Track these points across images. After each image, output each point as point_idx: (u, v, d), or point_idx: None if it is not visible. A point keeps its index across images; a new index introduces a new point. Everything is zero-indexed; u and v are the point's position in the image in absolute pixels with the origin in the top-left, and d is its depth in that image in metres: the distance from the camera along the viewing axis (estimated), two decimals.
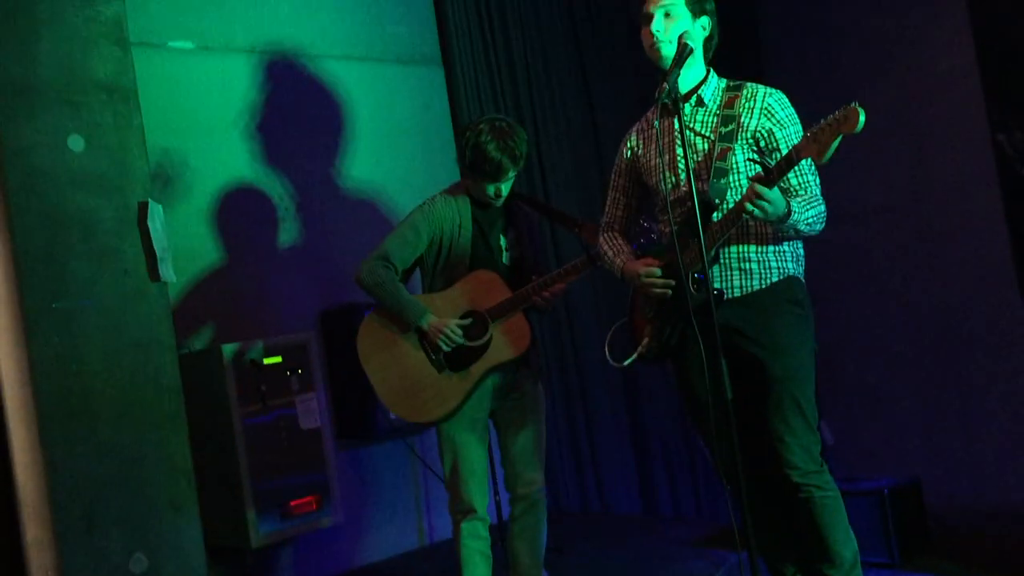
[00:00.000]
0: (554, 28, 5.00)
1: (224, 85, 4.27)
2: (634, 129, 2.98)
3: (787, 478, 2.66)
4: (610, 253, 2.97)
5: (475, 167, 3.14)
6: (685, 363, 2.80)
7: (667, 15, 2.74)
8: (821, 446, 2.69)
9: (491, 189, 3.18)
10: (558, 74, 4.97)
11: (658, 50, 2.75)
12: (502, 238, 3.29)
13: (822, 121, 2.41)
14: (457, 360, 3.16)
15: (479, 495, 3.20)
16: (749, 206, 2.50)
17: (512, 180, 3.22)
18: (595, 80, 5.03)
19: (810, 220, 2.64)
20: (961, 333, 4.16)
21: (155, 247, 3.22)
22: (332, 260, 4.44)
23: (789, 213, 2.55)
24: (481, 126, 3.16)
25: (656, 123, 2.84)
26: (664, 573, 3.74)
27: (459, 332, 3.14)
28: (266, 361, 3.87)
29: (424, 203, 3.28)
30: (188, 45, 4.17)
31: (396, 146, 4.72)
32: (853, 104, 2.36)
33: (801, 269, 2.78)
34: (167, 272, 3.31)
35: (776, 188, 2.51)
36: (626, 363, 2.83)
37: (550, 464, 3.39)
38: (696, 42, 2.75)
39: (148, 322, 3.32)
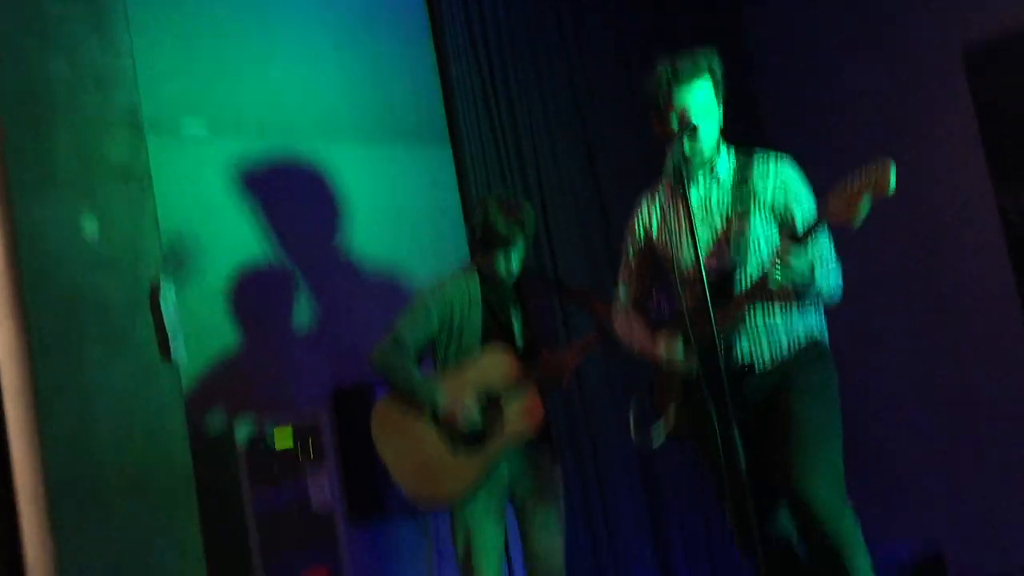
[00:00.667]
0: (559, 104, 5.07)
1: (235, 167, 4.33)
2: (643, 205, 2.97)
3: (808, 511, 2.57)
4: (627, 335, 2.97)
5: (485, 239, 3.17)
6: (710, 438, 2.71)
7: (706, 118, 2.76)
8: (847, 499, 2.64)
9: (502, 261, 3.19)
10: (564, 150, 5.03)
11: (690, 157, 2.76)
12: (513, 316, 3.30)
13: (852, 182, 2.36)
14: (471, 440, 3.14)
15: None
16: (777, 271, 2.49)
17: (522, 252, 3.24)
18: (600, 155, 5.08)
19: (832, 288, 2.66)
20: (979, 400, 4.12)
21: (167, 327, 3.24)
22: (345, 339, 4.43)
23: (814, 280, 2.56)
24: (488, 200, 3.23)
25: (660, 198, 2.86)
26: None
27: (475, 410, 3.12)
28: (278, 441, 3.85)
29: (434, 284, 3.31)
30: (200, 130, 4.24)
31: (405, 224, 4.75)
32: (885, 160, 2.31)
33: (826, 333, 2.79)
34: (179, 352, 3.31)
35: (804, 253, 2.50)
36: (656, 445, 2.80)
37: (566, 542, 3.34)
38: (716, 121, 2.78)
39: (159, 403, 3.31)
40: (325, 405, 4.35)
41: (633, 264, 2.99)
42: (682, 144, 2.68)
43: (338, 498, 4.00)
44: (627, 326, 2.96)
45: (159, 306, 3.22)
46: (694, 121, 2.70)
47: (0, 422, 2.96)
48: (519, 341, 3.28)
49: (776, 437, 2.66)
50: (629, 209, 4.86)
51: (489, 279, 3.26)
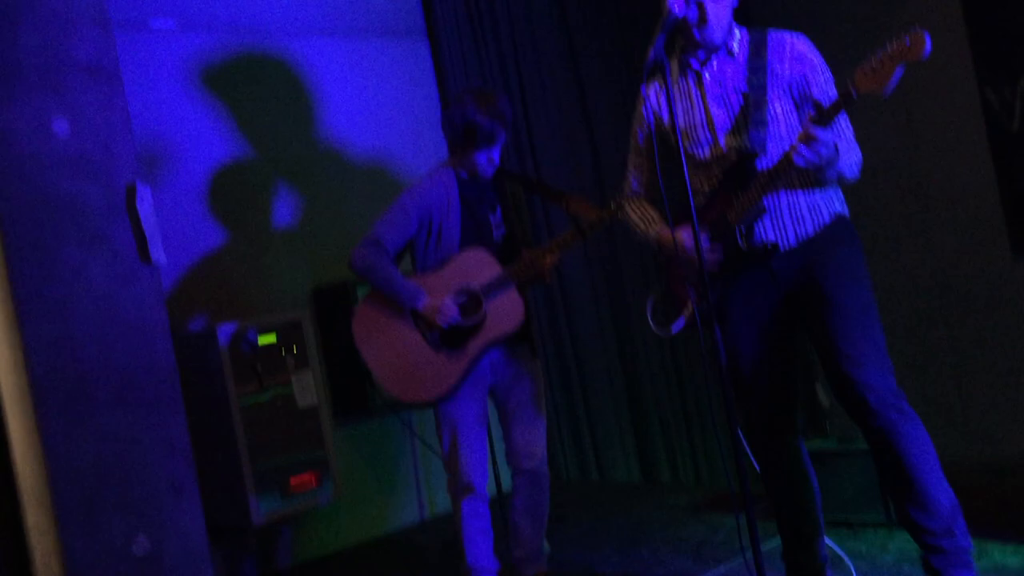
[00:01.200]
0: (540, 4, 4.95)
1: (208, 64, 4.24)
2: (650, 91, 2.84)
3: (866, 406, 2.51)
4: (640, 223, 2.89)
5: (467, 137, 3.13)
6: (734, 319, 2.72)
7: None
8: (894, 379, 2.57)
9: (484, 157, 3.17)
10: (546, 48, 4.93)
11: (697, 37, 2.65)
12: (491, 214, 3.28)
13: (879, 52, 2.32)
14: (453, 338, 3.16)
15: (478, 473, 3.21)
16: (802, 149, 2.43)
17: (500, 148, 3.21)
18: (583, 55, 4.99)
19: (852, 163, 2.62)
20: (954, 291, 4.17)
21: (145, 229, 3.21)
22: (323, 238, 4.42)
23: (837, 155, 2.50)
24: (466, 96, 3.17)
25: (671, 81, 2.74)
26: (663, 538, 3.76)
27: (455, 310, 3.13)
28: (261, 341, 3.87)
29: (412, 185, 3.28)
30: (170, 24, 4.13)
31: (384, 122, 4.69)
32: (917, 28, 2.27)
33: (846, 208, 2.73)
34: (158, 255, 3.29)
35: (827, 131, 2.44)
36: (675, 331, 2.75)
37: (548, 435, 3.41)
38: (729, 9, 2.68)
39: (141, 305, 3.30)
40: (306, 304, 4.37)
41: (643, 151, 2.89)
42: (664, 39, 2.57)
43: (322, 395, 4.05)
44: (640, 214, 2.89)
45: (136, 208, 3.18)
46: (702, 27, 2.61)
47: None
48: (498, 239, 3.27)
49: (817, 326, 2.61)
50: (610, 110, 4.84)
51: (468, 177, 3.24)
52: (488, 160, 3.18)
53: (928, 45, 2.24)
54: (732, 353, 2.74)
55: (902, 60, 2.28)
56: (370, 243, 3.18)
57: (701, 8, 2.60)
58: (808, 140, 2.43)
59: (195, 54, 4.20)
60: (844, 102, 2.40)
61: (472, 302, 3.16)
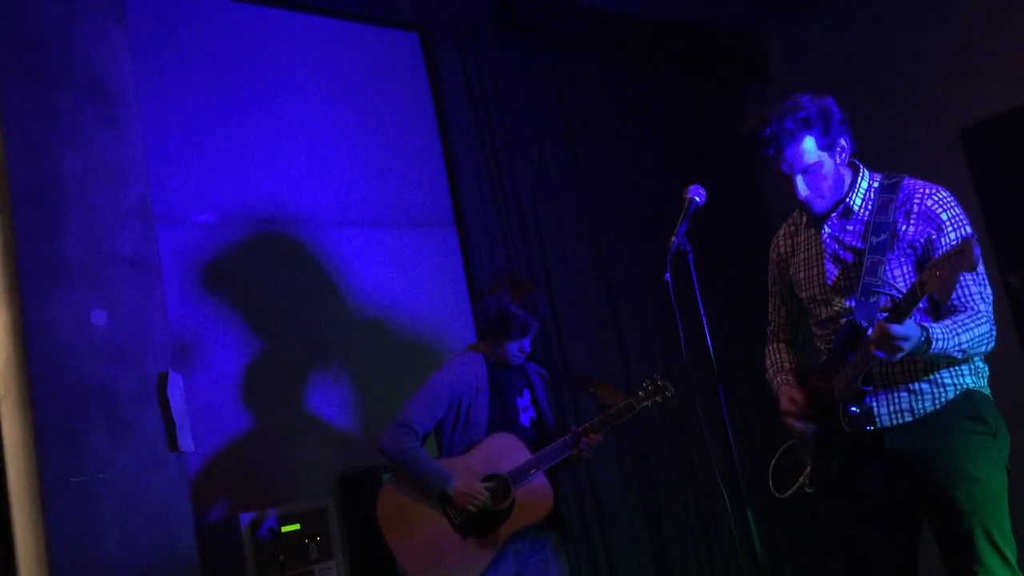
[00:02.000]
0: (564, 186, 5.12)
1: (245, 255, 4.37)
2: (782, 231, 2.79)
3: None
4: (771, 369, 2.78)
5: (501, 326, 3.18)
6: (846, 500, 2.61)
7: (806, 171, 2.54)
8: None
9: (516, 347, 3.20)
10: (570, 231, 5.07)
11: (812, 209, 2.59)
12: (519, 398, 3.29)
13: (939, 255, 2.26)
14: (480, 525, 3.11)
15: None
16: (877, 347, 2.29)
17: (532, 336, 3.26)
18: (607, 235, 5.12)
19: (965, 345, 2.38)
20: None
21: (174, 417, 3.23)
22: (350, 424, 4.42)
23: (929, 343, 2.32)
24: (502, 286, 3.23)
25: (795, 228, 2.71)
26: None
27: (486, 494, 3.09)
28: (284, 530, 3.81)
29: (443, 367, 3.31)
30: (211, 219, 4.30)
31: (413, 308, 4.78)
32: (968, 238, 2.22)
33: (983, 381, 2.53)
34: (186, 442, 3.31)
35: (909, 322, 2.29)
36: (786, 494, 2.63)
37: None
38: (836, 169, 2.56)
39: (166, 494, 3.29)
40: (331, 491, 4.32)
41: (776, 292, 2.77)
42: (686, 227, 2.54)
43: None
44: (771, 361, 2.76)
45: (167, 396, 3.22)
46: (808, 199, 2.52)
47: (6, 515, 2.94)
48: (526, 424, 3.26)
49: (931, 515, 2.47)
50: (633, 290, 4.91)
51: (498, 362, 3.27)
52: (519, 349, 3.22)
53: (976, 254, 2.16)
54: (851, 535, 2.63)
55: (957, 268, 2.20)
56: (400, 425, 3.18)
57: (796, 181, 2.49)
58: (880, 336, 2.28)
59: (232, 245, 4.34)
60: (912, 299, 2.26)
61: (501, 487, 3.13)
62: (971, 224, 2.55)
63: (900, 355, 2.31)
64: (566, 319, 4.94)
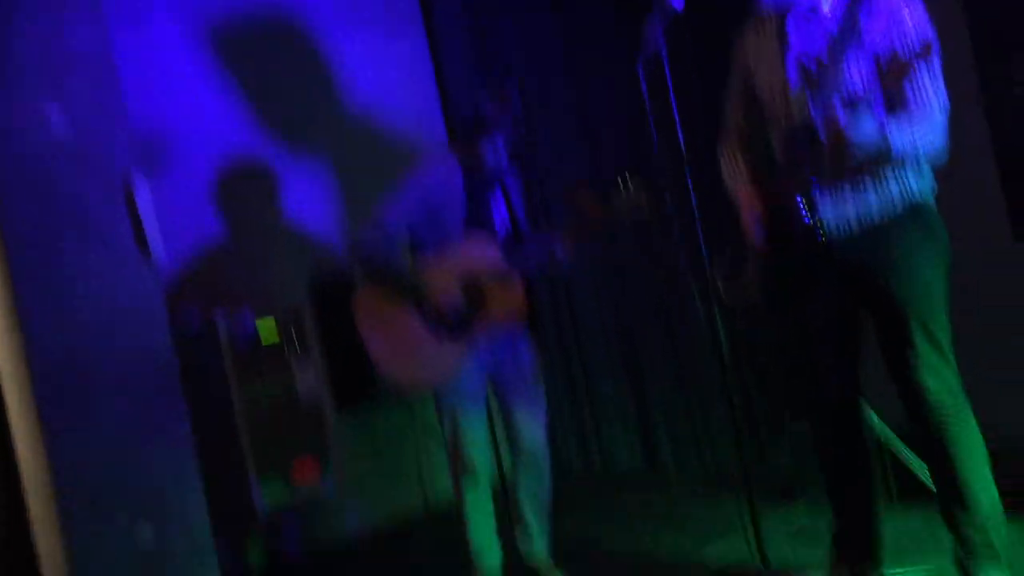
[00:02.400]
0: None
1: (208, 51, 4.22)
2: (748, 32, 2.72)
3: (924, 405, 2.47)
4: (729, 176, 2.77)
5: (475, 127, 3.13)
6: (795, 299, 2.67)
7: None
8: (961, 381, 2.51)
9: (490, 148, 3.16)
10: (542, 40, 4.88)
11: None
12: (492, 202, 3.28)
13: (895, 52, 2.26)
14: (454, 325, 3.16)
15: (481, 457, 3.22)
16: (832, 152, 2.31)
17: (508, 140, 3.21)
18: (583, 37, 4.94)
19: (919, 143, 2.40)
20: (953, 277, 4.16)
21: (143, 222, 3.21)
22: (325, 228, 4.42)
23: (887, 143, 2.34)
24: (475, 87, 3.19)
25: (760, 28, 2.65)
26: (666, 520, 3.78)
27: (459, 295, 3.13)
28: (261, 332, 3.87)
29: (415, 169, 3.28)
30: (166, 14, 4.12)
31: (381, 108, 4.68)
32: (924, 41, 2.22)
33: (927, 189, 2.55)
34: (157, 247, 3.29)
35: (865, 121, 2.31)
36: (735, 301, 2.67)
37: (550, 422, 3.42)
38: None
39: (140, 298, 3.30)
40: (307, 296, 4.37)
41: (737, 91, 2.72)
42: (661, 31, 2.47)
43: (324, 388, 4.06)
44: (729, 163, 2.75)
45: (134, 200, 3.18)
46: None
47: None
48: (500, 228, 3.27)
49: (875, 319, 2.53)
50: (610, 96, 4.81)
51: (472, 166, 3.24)
52: (494, 150, 3.18)
53: (935, 47, 2.17)
54: (796, 332, 2.72)
55: (911, 66, 2.22)
56: (373, 227, 3.18)
57: None
58: (835, 136, 2.32)
59: (191, 43, 4.19)
60: (868, 97, 2.29)
61: (473, 288, 3.16)
62: (933, 23, 2.48)
63: (856, 155, 2.34)
64: (541, 121, 4.87)
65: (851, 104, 2.35)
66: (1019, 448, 3.67)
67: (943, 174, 3.94)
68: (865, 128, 2.32)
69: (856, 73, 2.44)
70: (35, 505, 3.04)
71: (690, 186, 2.48)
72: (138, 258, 3.27)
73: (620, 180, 3.12)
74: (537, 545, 3.29)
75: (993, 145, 3.84)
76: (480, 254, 3.19)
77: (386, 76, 4.73)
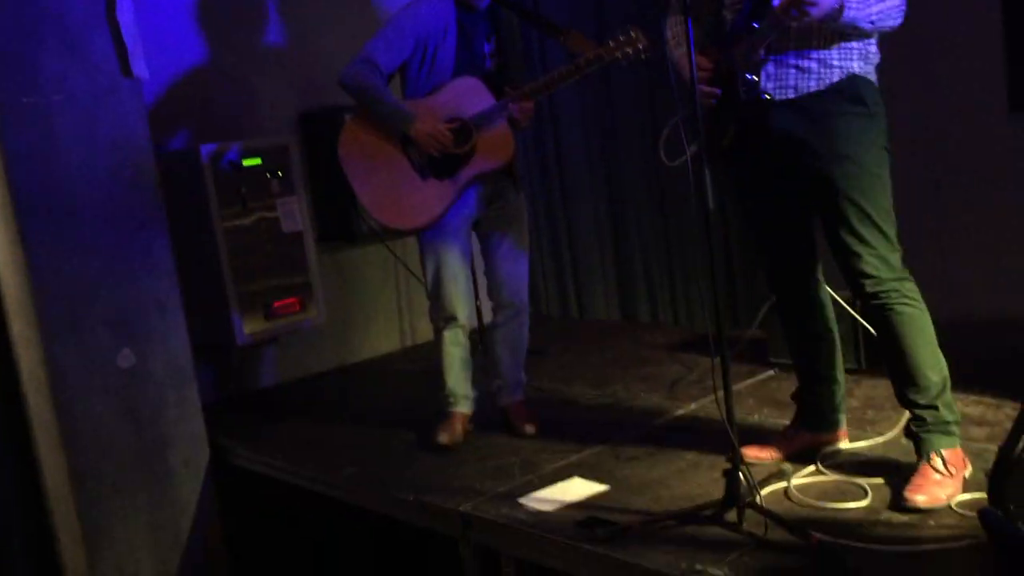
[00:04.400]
0: None
1: None
2: None
3: (862, 290, 2.50)
4: (672, 40, 2.71)
5: None
6: (740, 168, 2.66)
7: None
8: (902, 253, 2.51)
9: None
10: None
11: None
12: (486, 44, 3.19)
13: None
14: (441, 167, 3.13)
15: (460, 303, 3.24)
16: (792, 9, 2.25)
17: None
18: None
19: (874, 17, 2.36)
20: (948, 148, 4.14)
21: (126, 41, 3.12)
22: (313, 61, 4.31)
23: (842, 9, 2.29)
24: None
25: None
26: (638, 375, 3.86)
27: (449, 135, 3.08)
28: (246, 163, 3.83)
29: (409, 4, 3.16)
30: None
31: None
32: None
33: (871, 67, 2.52)
34: (140, 68, 3.21)
35: None
36: (676, 162, 2.61)
37: (531, 270, 3.44)
38: None
39: (122, 120, 3.25)
40: (293, 128, 4.30)
41: None
42: None
43: (307, 220, 4.05)
44: (672, 34, 2.69)
45: (116, 17, 3.08)
46: None
47: None
48: (492, 69, 3.19)
49: (814, 199, 2.53)
50: None
51: (465, 4, 3.13)
52: None
53: None
54: (745, 206, 2.72)
55: None
56: (363, 61, 3.09)
57: None
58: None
59: None
60: None
61: (463, 131, 3.12)
62: None
63: (815, 15, 2.28)
64: None
65: None
66: (992, 318, 3.75)
67: (948, 45, 3.86)
68: None
69: None
70: (16, 323, 3.07)
71: (691, 30, 2.40)
72: (121, 79, 3.20)
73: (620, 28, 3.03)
74: (510, 392, 3.36)
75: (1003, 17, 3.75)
76: (472, 96, 3.12)
77: None
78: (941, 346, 2.56)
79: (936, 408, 2.51)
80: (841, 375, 2.79)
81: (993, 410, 2.99)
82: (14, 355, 3.09)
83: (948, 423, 2.51)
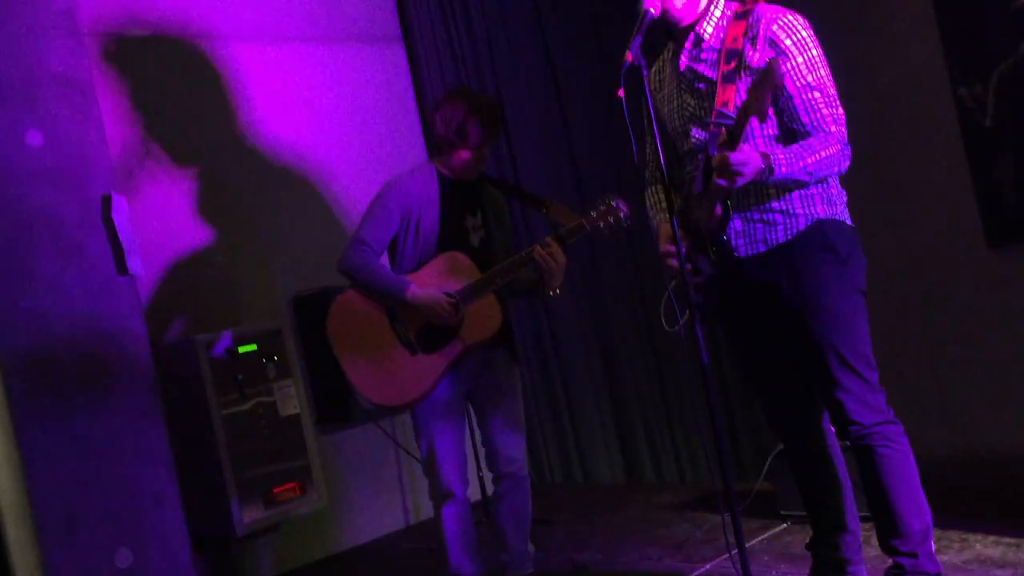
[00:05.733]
0: (516, 8, 4.95)
1: (183, 70, 4.22)
2: (653, 68, 2.75)
3: (847, 435, 2.49)
4: (651, 211, 2.76)
5: (459, 134, 3.12)
6: (731, 324, 2.70)
7: None
8: (884, 395, 2.51)
9: (472, 156, 3.15)
10: (522, 52, 4.93)
11: (669, 11, 2.52)
12: (470, 217, 3.27)
13: (755, 84, 2.29)
14: (429, 342, 3.15)
15: (458, 479, 3.20)
16: (719, 177, 2.32)
17: (489, 148, 3.21)
18: (560, 57, 4.99)
19: (811, 168, 2.41)
20: (930, 283, 4.20)
21: (121, 240, 3.19)
22: (303, 245, 4.41)
23: (771, 169, 2.35)
24: (460, 95, 3.18)
25: (660, 62, 2.68)
26: (649, 537, 3.77)
27: (446, 300, 3.09)
28: (241, 350, 3.85)
29: (392, 179, 3.27)
30: (143, 32, 4.11)
31: (360, 127, 4.69)
32: (772, 58, 2.26)
33: (836, 209, 2.56)
34: (135, 265, 3.28)
35: (747, 147, 2.35)
36: (675, 328, 2.62)
37: (532, 439, 3.41)
38: None
39: (119, 316, 3.29)
40: (286, 312, 4.36)
41: (649, 130, 2.67)
42: (640, 41, 2.47)
43: (304, 404, 4.04)
44: (653, 200, 2.75)
45: (111, 218, 3.17)
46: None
47: None
48: (476, 244, 3.26)
49: (798, 352, 2.54)
50: (587, 112, 4.85)
51: (451, 177, 3.23)
52: (476, 159, 3.17)
53: (781, 71, 2.26)
54: (739, 356, 2.74)
55: (766, 91, 2.26)
56: (358, 242, 3.17)
57: None
58: (719, 164, 2.32)
59: (170, 60, 4.18)
60: (739, 126, 2.31)
61: (451, 304, 3.15)
62: (820, 46, 2.51)
63: (742, 181, 2.33)
64: (517, 138, 4.88)
65: (738, 128, 2.35)
66: (998, 453, 3.70)
67: (924, 184, 3.96)
68: (744, 151, 2.33)
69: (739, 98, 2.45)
70: (12, 527, 3.01)
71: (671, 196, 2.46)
72: (116, 276, 3.26)
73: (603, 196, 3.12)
74: (518, 566, 3.28)
75: (968, 158, 3.89)
76: (457, 270, 3.17)
77: (366, 91, 4.74)
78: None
79: (916, 556, 2.46)
80: (857, 524, 2.73)
81: (1014, 550, 2.91)
82: (10, 561, 3.01)
83: (928, 574, 2.45)
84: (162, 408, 3.42)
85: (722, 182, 2.35)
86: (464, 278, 3.15)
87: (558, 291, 3.17)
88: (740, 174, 2.32)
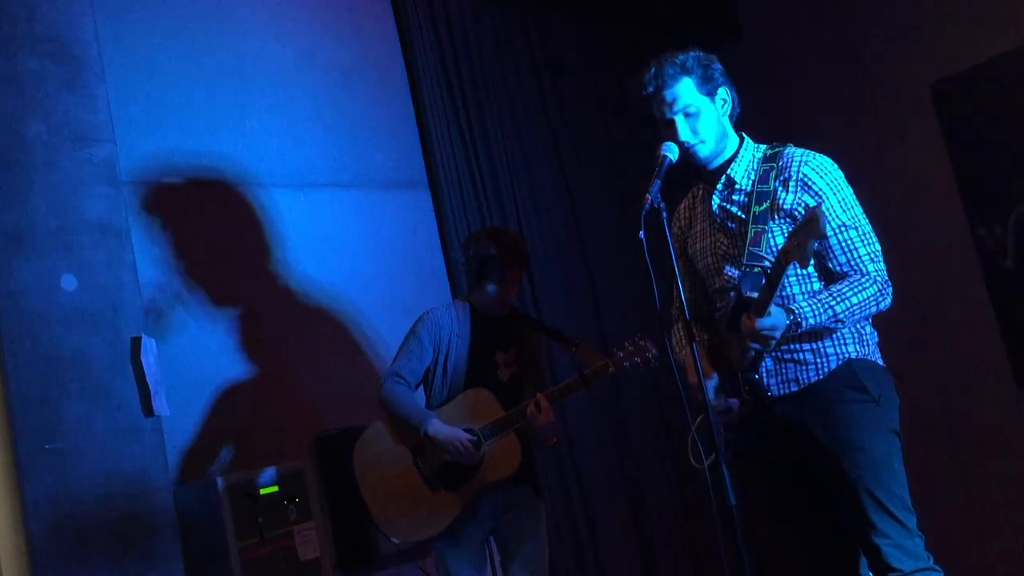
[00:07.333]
0: (536, 144, 5.11)
1: (215, 217, 4.34)
2: (682, 205, 2.81)
3: (877, 566, 2.44)
4: (678, 347, 2.77)
5: (481, 269, 3.19)
6: (763, 464, 2.66)
7: (687, 115, 2.56)
8: (923, 540, 2.46)
9: (497, 290, 3.21)
10: (543, 191, 5.06)
11: (696, 154, 2.58)
12: (502, 353, 3.30)
13: (795, 233, 2.31)
14: (451, 479, 3.14)
15: None
16: (751, 343, 2.35)
17: (516, 282, 3.27)
18: (580, 193, 5.11)
19: (842, 316, 2.41)
20: (961, 425, 4.14)
21: (148, 382, 3.23)
22: (327, 386, 4.42)
23: (799, 324, 2.36)
24: (484, 232, 3.28)
25: (691, 200, 2.73)
26: None
27: (466, 437, 3.09)
28: (263, 492, 3.82)
29: (426, 312, 3.33)
30: (178, 180, 4.26)
31: (386, 271, 4.77)
32: (814, 206, 2.29)
33: (868, 350, 2.55)
34: (161, 406, 3.30)
35: (775, 311, 2.35)
36: (705, 464, 2.58)
37: None
38: (718, 120, 2.58)
39: (142, 458, 3.29)
40: (309, 453, 4.33)
41: (679, 270, 2.62)
42: (659, 185, 2.52)
43: (326, 547, 3.97)
44: (679, 338, 2.74)
45: (140, 361, 3.21)
46: (689, 142, 2.51)
47: None
48: (504, 380, 3.27)
49: (831, 493, 2.50)
50: (607, 247, 4.93)
51: (483, 313, 3.28)
52: (502, 294, 3.23)
53: (822, 223, 2.24)
54: (770, 499, 2.73)
55: (809, 237, 2.25)
56: (390, 375, 3.23)
57: (690, 130, 2.50)
58: (749, 332, 2.35)
59: (203, 207, 4.31)
60: (776, 277, 2.30)
61: (472, 443, 3.14)
62: (851, 187, 2.56)
63: (774, 343, 2.36)
64: (541, 279, 4.95)
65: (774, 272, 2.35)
66: None
67: (951, 325, 3.96)
68: (773, 315, 2.34)
69: (780, 239, 2.47)
70: None
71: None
72: (142, 419, 3.27)
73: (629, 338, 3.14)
74: None
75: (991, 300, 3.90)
76: (481, 408, 3.18)
77: (393, 234, 4.85)
78: None
79: None
80: None
81: None
82: None
83: None
84: (180, 550, 3.38)
85: (756, 346, 2.38)
86: (487, 415, 3.15)
87: (555, 441, 3.18)
88: (772, 338, 2.35)
